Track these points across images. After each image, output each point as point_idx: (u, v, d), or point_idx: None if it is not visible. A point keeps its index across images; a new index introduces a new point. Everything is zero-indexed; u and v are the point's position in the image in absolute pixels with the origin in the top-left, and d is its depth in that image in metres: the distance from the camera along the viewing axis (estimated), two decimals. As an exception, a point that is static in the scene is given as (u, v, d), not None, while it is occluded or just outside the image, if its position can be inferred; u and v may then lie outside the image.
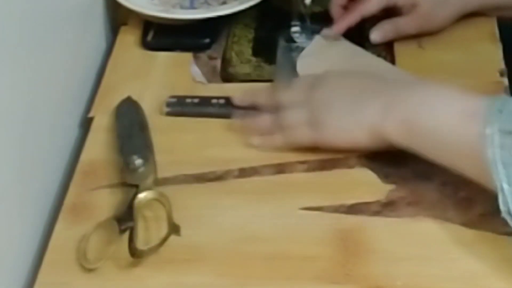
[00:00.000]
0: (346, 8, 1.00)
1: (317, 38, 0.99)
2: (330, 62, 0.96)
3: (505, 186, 0.70)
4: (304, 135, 0.84)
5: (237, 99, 0.91)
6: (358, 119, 0.81)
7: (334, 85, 0.85)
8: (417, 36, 0.97)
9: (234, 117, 0.89)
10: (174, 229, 0.77)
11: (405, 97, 0.79)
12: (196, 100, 0.92)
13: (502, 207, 0.71)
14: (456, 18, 0.97)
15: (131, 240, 0.76)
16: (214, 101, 0.92)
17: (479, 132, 0.72)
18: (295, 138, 0.85)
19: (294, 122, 0.85)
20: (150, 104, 0.93)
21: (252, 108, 0.90)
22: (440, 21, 0.97)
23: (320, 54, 0.98)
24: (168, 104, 0.92)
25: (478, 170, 0.73)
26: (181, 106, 0.92)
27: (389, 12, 0.98)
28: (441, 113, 0.76)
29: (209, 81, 0.97)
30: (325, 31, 0.98)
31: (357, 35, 0.99)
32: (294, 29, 1.01)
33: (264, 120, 0.88)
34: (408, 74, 0.93)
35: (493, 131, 0.71)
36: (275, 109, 0.87)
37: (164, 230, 0.78)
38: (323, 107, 0.83)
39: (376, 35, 0.97)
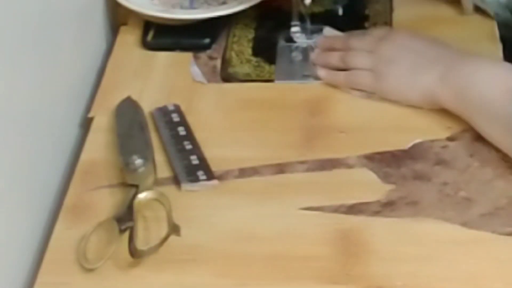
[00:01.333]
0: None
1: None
2: None
3: None
4: (365, 80, 0.91)
5: (319, 41, 0.99)
6: (415, 82, 0.88)
7: (401, 44, 0.91)
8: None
9: (312, 55, 0.98)
10: (174, 229, 0.77)
11: (460, 68, 0.85)
12: None
13: None
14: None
15: (131, 240, 0.76)
16: None
17: None
18: (356, 80, 0.92)
19: (358, 65, 0.92)
20: (150, 104, 0.93)
21: None
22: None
23: None
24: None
25: (510, 145, 0.79)
26: None
27: None
28: (490, 87, 0.82)
29: (209, 81, 0.97)
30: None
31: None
32: (294, 29, 1.01)
33: (333, 56, 0.95)
34: None
35: None
36: (346, 50, 0.95)
37: (164, 230, 0.78)
38: (387, 61, 0.90)
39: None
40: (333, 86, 0.94)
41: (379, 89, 0.91)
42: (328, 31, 1.00)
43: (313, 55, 0.97)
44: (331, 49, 0.97)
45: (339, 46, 0.97)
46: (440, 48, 0.90)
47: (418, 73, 0.88)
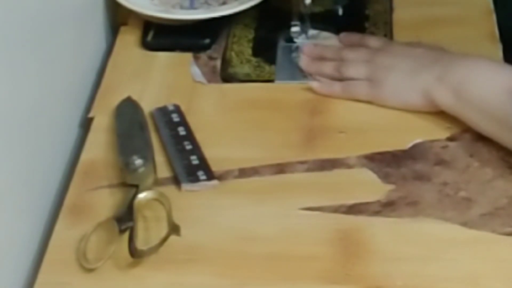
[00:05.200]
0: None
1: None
2: None
3: None
4: (362, 90, 0.91)
5: (306, 49, 0.97)
6: (414, 83, 0.88)
7: (397, 52, 0.92)
8: (417, 35, 0.98)
9: (299, 63, 0.97)
10: (174, 229, 0.77)
11: (458, 67, 0.85)
12: None
13: None
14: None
15: (131, 240, 0.76)
16: None
17: None
18: (353, 90, 0.92)
19: (354, 75, 0.92)
20: (150, 104, 0.93)
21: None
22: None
23: None
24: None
25: (510, 142, 0.80)
26: None
27: None
28: (488, 86, 0.82)
29: (209, 81, 0.97)
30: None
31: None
32: (294, 29, 1.01)
33: (327, 66, 0.95)
34: None
35: None
36: (339, 60, 0.95)
37: (164, 230, 0.78)
38: (384, 68, 0.90)
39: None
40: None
41: (377, 97, 0.90)
42: (324, 35, 1.00)
43: (301, 62, 0.97)
44: (322, 58, 0.96)
45: (330, 56, 0.96)
46: (438, 52, 0.90)
47: (415, 76, 0.88)
